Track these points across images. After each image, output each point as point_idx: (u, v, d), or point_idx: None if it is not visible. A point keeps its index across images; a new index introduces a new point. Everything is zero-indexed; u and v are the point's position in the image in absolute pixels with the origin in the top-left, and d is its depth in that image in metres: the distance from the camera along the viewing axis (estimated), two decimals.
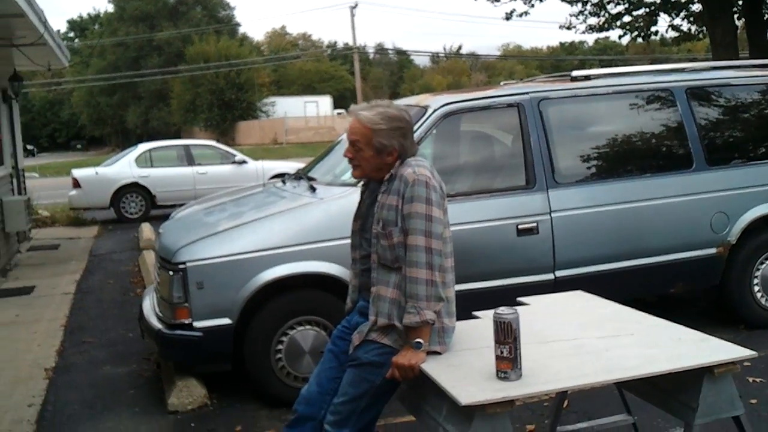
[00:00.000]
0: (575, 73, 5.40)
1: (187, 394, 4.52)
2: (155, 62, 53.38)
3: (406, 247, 2.65)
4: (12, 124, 12.11)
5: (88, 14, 69.60)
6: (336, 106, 52.84)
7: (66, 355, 5.80)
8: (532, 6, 15.95)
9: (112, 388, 5.03)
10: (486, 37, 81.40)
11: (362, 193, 3.00)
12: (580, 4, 15.69)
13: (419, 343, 2.60)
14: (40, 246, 11.65)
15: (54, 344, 6.05)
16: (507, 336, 2.34)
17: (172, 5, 57.16)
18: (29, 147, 19.69)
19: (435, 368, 2.53)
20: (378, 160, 2.75)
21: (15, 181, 11.72)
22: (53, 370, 5.42)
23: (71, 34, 66.69)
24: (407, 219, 2.64)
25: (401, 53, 69.20)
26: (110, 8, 59.07)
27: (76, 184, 14.04)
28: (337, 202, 4.52)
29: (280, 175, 11.48)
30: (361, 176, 2.87)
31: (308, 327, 4.46)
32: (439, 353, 2.66)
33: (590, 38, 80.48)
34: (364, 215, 2.91)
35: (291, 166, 14.25)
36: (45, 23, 8.90)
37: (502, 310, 2.39)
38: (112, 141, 60.20)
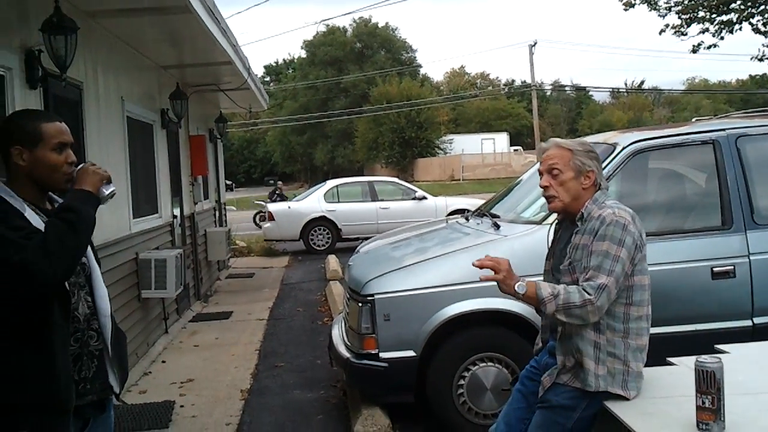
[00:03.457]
0: None
1: (372, 422, 4.64)
2: (342, 103, 56.16)
3: (587, 278, 2.64)
4: (216, 161, 13.24)
5: (284, 60, 74.70)
6: (512, 143, 52.51)
7: (260, 378, 6.18)
8: (722, 38, 15.11)
9: (302, 412, 5.30)
10: (670, 71, 77.50)
11: (555, 231, 3.01)
12: None
13: (522, 286, 2.64)
14: (237, 274, 12.58)
15: (249, 367, 6.48)
16: (710, 386, 2.24)
17: (359, 50, 59.97)
18: (228, 182, 21.25)
19: (630, 416, 2.46)
20: (576, 184, 2.76)
21: (217, 213, 12.77)
22: (248, 391, 5.81)
23: (267, 79, 71.75)
24: (594, 255, 2.63)
25: (580, 89, 67.59)
26: (303, 54, 63.13)
27: (271, 217, 15.04)
28: (521, 239, 4.52)
29: (459, 211, 11.64)
30: (559, 209, 2.84)
31: (490, 364, 4.47)
32: (627, 399, 2.59)
33: None
34: (557, 255, 2.91)
35: (469, 202, 14.38)
36: (249, 69, 9.70)
37: (705, 358, 2.29)
38: (302, 177, 63.75)
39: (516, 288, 2.64)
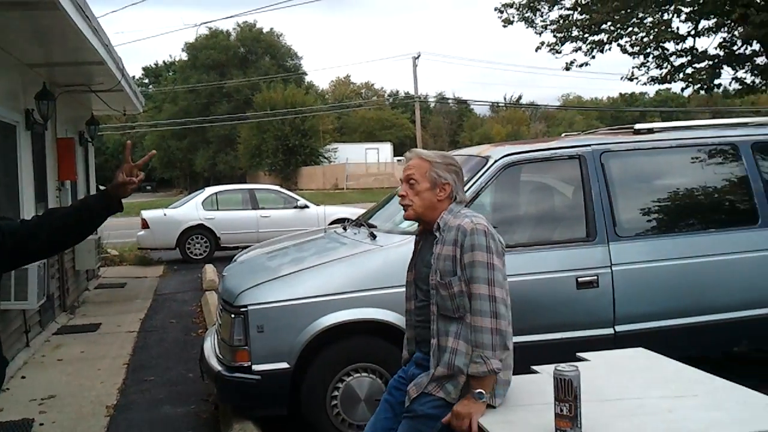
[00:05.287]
0: (638, 126, 5.36)
1: None
2: (224, 108, 55.03)
3: (469, 296, 2.66)
4: (87, 166, 12.64)
5: (164, 62, 72.37)
6: (396, 153, 53.27)
7: (127, 393, 5.91)
8: (593, 57, 15.99)
9: (171, 428, 5.10)
10: (546, 87, 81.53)
11: (416, 243, 3.04)
12: (642, 57, 15.61)
13: (481, 393, 2.59)
14: (107, 284, 12.01)
15: (116, 382, 6.19)
16: (567, 393, 2.31)
17: (243, 54, 59.07)
18: (102, 187, 20.39)
19: (491, 424, 2.50)
20: (431, 195, 2.82)
21: None
22: (114, 407, 5.54)
23: (146, 81, 69.38)
24: (468, 268, 2.66)
25: (461, 102, 69.53)
26: (184, 57, 61.49)
27: (145, 224, 14.46)
28: (397, 249, 4.54)
29: (341, 220, 11.61)
30: (412, 217, 2.90)
31: (364, 374, 4.47)
32: (493, 407, 2.64)
33: (651, 89, 79.78)
34: (418, 266, 2.94)
35: (351, 211, 14.40)
36: (122, 70, 9.33)
37: (563, 366, 2.36)
38: (181, 183, 62.01)
39: (483, 400, 2.59)
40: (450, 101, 70.91)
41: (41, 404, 5.61)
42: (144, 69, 72.73)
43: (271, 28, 61.22)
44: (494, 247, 2.68)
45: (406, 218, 2.95)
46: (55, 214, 2.59)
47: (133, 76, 11.89)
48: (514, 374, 2.77)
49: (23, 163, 7.75)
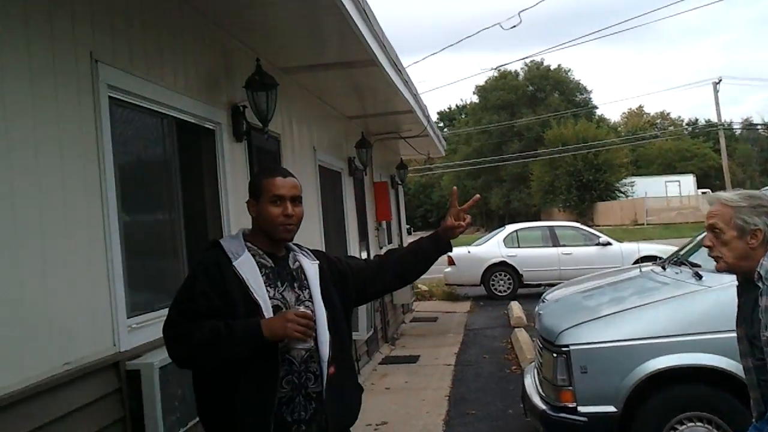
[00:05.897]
0: None
1: None
2: (516, 147, 55.89)
3: None
4: (398, 206, 13.68)
5: (456, 105, 75.67)
6: (700, 185, 49.50)
7: (452, 425, 6.22)
8: None
9: None
10: None
11: (738, 296, 2.78)
12: None
13: None
14: (421, 318, 12.80)
15: (440, 413, 6.55)
16: None
17: (531, 93, 59.65)
18: (406, 226, 21.86)
19: None
20: (741, 243, 2.56)
21: None
22: None
23: (441, 124, 73.04)
24: None
25: None
26: (475, 99, 63.84)
27: (451, 261, 15.09)
28: (729, 291, 4.18)
29: (649, 258, 11.12)
30: (724, 269, 2.66)
31: (699, 424, 4.25)
32: None
33: None
34: (749, 321, 2.67)
35: (659, 248, 13.74)
36: (428, 117, 10.04)
37: None
38: (477, 221, 63.87)
39: None
40: (759, 127, 64.23)
41: (376, 429, 6.15)
42: (439, 113, 76.71)
43: (559, 65, 61.04)
44: None
45: (718, 270, 2.72)
46: (393, 256, 2.84)
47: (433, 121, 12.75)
48: None
49: (348, 206, 8.67)
